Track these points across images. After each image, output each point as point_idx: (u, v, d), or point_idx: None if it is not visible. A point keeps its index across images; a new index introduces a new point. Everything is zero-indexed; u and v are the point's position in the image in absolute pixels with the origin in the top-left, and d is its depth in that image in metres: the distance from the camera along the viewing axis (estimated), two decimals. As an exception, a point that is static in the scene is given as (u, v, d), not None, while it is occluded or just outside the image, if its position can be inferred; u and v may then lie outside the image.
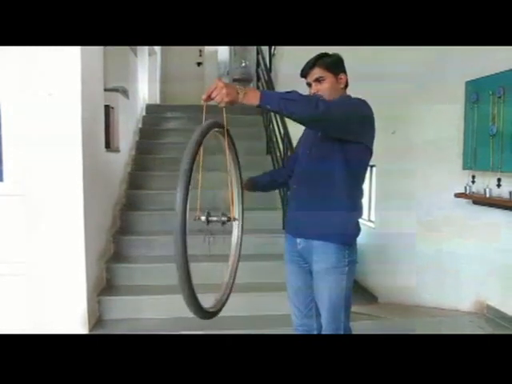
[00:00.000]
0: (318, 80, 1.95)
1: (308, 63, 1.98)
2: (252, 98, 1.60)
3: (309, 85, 2.00)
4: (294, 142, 2.82)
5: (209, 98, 1.57)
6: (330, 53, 1.99)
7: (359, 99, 1.93)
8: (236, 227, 1.84)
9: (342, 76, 1.98)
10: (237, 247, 1.85)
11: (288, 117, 1.72)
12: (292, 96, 1.66)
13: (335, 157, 1.89)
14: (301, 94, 1.70)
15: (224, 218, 1.62)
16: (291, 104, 1.64)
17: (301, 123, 1.89)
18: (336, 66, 1.97)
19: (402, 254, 4.55)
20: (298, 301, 2.08)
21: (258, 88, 6.00)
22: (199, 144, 1.41)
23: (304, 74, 1.99)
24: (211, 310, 1.58)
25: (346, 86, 2.01)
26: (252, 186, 2.18)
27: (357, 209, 1.98)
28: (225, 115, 1.63)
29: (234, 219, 1.68)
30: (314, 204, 1.94)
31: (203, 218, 1.60)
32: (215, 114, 1.55)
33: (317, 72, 1.95)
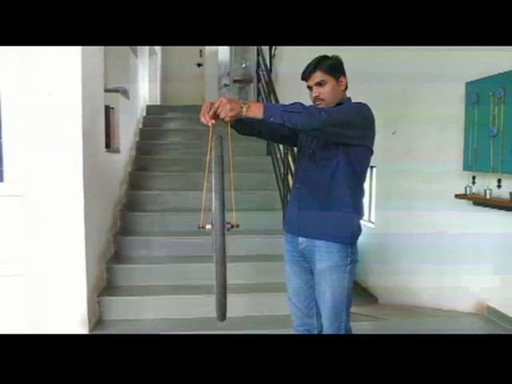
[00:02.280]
0: (319, 84, 1.94)
1: (308, 67, 1.96)
2: (255, 111, 1.68)
3: (310, 88, 1.99)
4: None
5: (214, 114, 1.67)
6: (330, 55, 1.98)
7: (360, 103, 1.94)
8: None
9: (342, 78, 1.98)
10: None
11: (293, 128, 1.78)
12: (295, 108, 1.72)
13: (339, 158, 1.90)
14: (303, 106, 1.74)
15: (228, 226, 1.70)
16: (294, 116, 1.71)
17: (305, 133, 1.92)
18: (337, 68, 1.97)
19: (402, 254, 4.55)
20: (298, 300, 2.08)
21: (258, 89, 6.00)
22: (223, 171, 1.57)
23: (305, 77, 1.98)
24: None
25: (346, 88, 2.01)
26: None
27: (359, 209, 1.99)
28: (229, 130, 1.74)
29: (237, 226, 1.73)
30: (317, 204, 1.94)
31: (208, 227, 1.70)
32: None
33: (318, 76, 1.93)
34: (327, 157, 1.92)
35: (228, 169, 1.78)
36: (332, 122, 1.77)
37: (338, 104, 1.96)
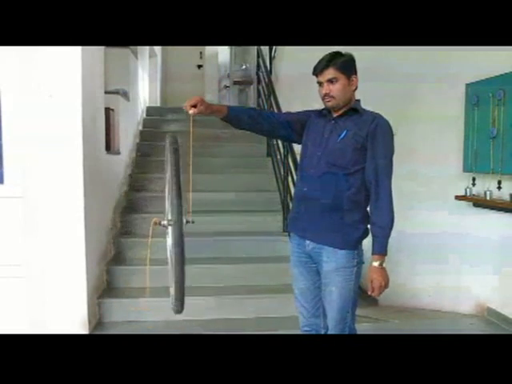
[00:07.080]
0: (330, 81, 1.89)
1: (321, 62, 1.90)
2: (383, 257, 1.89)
3: (320, 84, 1.93)
4: (295, 144, 2.81)
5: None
6: (343, 52, 1.91)
7: (387, 128, 1.93)
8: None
9: (353, 78, 1.93)
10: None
11: None
12: (390, 230, 1.88)
13: (356, 169, 1.90)
14: (389, 219, 1.88)
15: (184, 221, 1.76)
16: (391, 230, 1.89)
17: None
18: (349, 67, 1.91)
19: (402, 255, 4.54)
20: (305, 301, 2.07)
21: (258, 90, 6.00)
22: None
23: (316, 72, 1.93)
24: None
25: (356, 88, 1.96)
26: (225, 115, 2.03)
27: (367, 216, 1.96)
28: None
29: (192, 222, 1.79)
30: (327, 211, 1.92)
31: (164, 223, 1.82)
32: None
33: (330, 72, 1.88)
34: (345, 166, 1.90)
35: (185, 170, 1.81)
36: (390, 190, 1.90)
37: (349, 109, 1.93)
